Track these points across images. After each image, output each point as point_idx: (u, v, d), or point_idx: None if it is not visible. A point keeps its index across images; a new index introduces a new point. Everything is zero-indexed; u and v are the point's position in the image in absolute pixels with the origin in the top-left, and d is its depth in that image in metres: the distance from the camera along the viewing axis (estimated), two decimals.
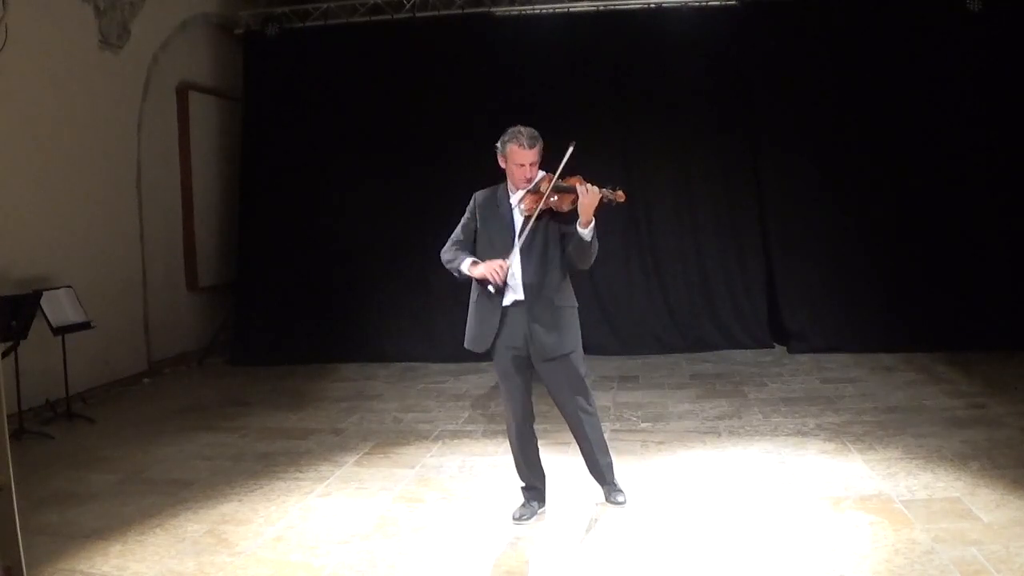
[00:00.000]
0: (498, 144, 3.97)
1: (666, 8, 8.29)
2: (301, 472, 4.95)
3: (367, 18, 8.59)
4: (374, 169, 8.55)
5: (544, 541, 3.87)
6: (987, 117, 7.63)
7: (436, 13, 8.46)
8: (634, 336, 8.27)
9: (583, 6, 8.41)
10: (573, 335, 4.01)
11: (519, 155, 3.86)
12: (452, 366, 7.94)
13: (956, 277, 7.62)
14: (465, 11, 8.46)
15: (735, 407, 6.05)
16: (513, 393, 4.05)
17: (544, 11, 8.42)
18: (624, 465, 4.46)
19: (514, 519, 4.11)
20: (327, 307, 8.53)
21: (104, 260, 7.46)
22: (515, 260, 3.87)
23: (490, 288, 3.84)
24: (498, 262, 3.81)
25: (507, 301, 3.92)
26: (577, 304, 4.08)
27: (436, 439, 5.56)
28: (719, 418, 5.78)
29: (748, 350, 8.10)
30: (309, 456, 5.28)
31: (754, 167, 8.31)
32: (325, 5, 8.63)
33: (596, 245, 3.85)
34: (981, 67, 7.62)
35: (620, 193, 3.80)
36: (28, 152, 6.57)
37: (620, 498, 4.21)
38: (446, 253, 4.08)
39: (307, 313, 8.54)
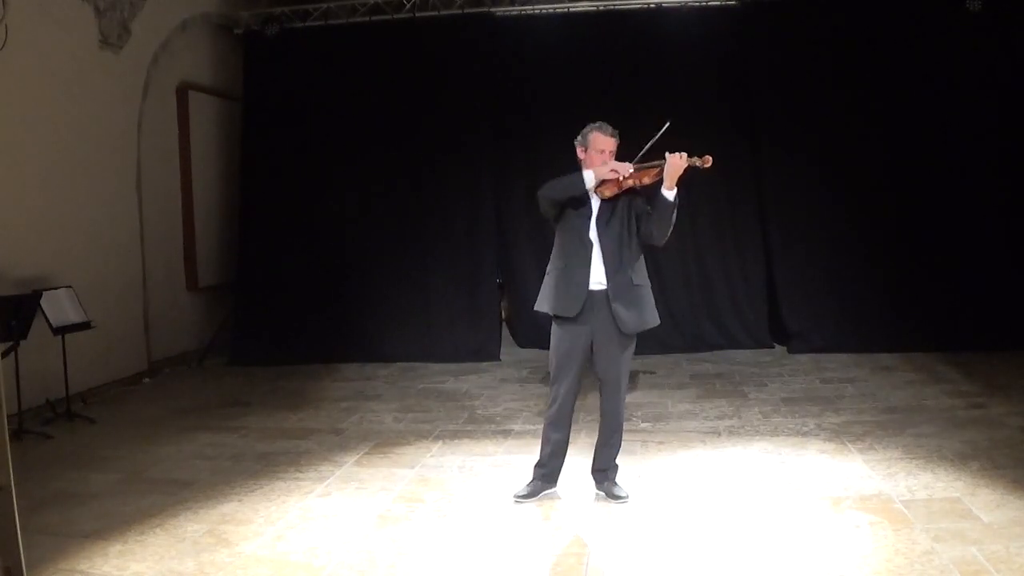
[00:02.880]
0: (578, 136, 4.20)
1: (666, 8, 8.28)
2: (301, 472, 4.95)
3: (367, 18, 8.59)
4: (374, 169, 8.56)
5: (544, 540, 3.87)
6: (987, 117, 7.63)
7: (436, 13, 8.45)
8: None
9: (583, 6, 8.40)
10: (651, 313, 4.20)
11: (601, 141, 4.13)
12: (452, 366, 7.96)
13: (956, 277, 7.62)
14: (465, 11, 8.45)
15: (735, 407, 6.05)
16: (571, 371, 4.16)
17: (544, 11, 8.42)
18: (624, 465, 4.45)
19: (515, 496, 4.23)
20: (327, 307, 8.52)
21: (104, 260, 7.45)
22: (595, 244, 4.07)
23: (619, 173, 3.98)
24: (624, 165, 3.99)
25: (587, 281, 4.08)
26: (649, 283, 4.25)
27: (436, 439, 5.56)
28: (719, 418, 5.79)
29: (748, 350, 8.11)
30: (309, 456, 5.27)
31: (754, 167, 8.31)
32: (325, 5, 8.62)
33: (675, 214, 4.03)
34: (981, 67, 7.62)
35: (708, 158, 3.98)
36: (28, 152, 6.56)
37: (621, 493, 4.23)
38: (553, 182, 4.12)
39: (307, 313, 8.53)
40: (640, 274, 4.18)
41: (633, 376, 7.21)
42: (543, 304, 4.21)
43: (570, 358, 4.16)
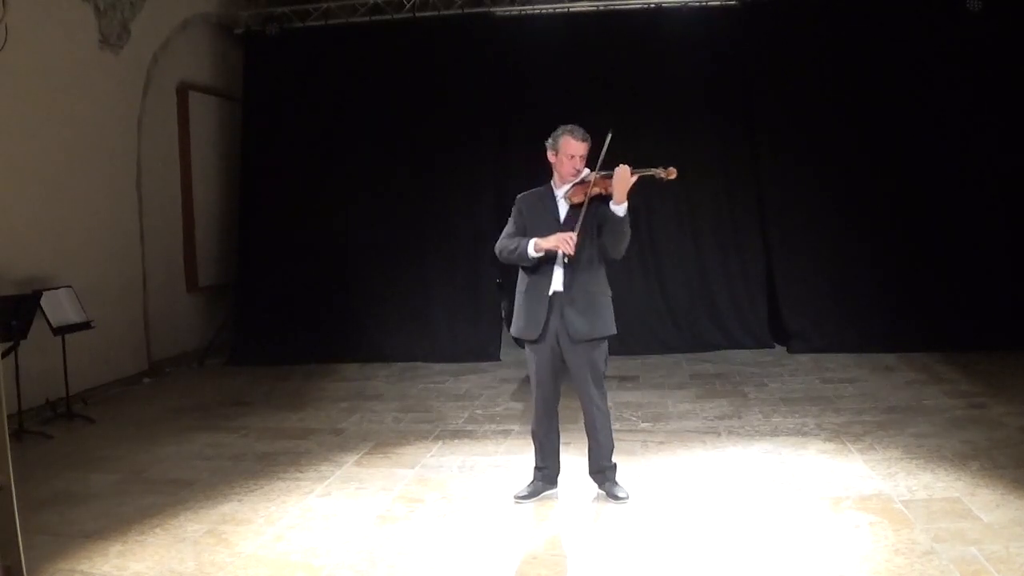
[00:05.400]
0: (549, 139, 4.17)
1: (666, 8, 8.29)
2: (301, 472, 4.95)
3: (367, 18, 8.59)
4: (374, 169, 8.56)
5: (544, 540, 3.87)
6: (987, 117, 7.63)
7: (436, 13, 8.46)
8: (634, 336, 8.26)
9: (583, 6, 8.41)
10: (604, 323, 4.15)
11: (572, 146, 4.08)
12: (452, 366, 7.96)
13: (956, 277, 7.62)
14: (465, 11, 8.46)
15: (735, 407, 6.05)
16: (543, 378, 4.20)
17: (544, 11, 8.42)
18: (624, 465, 4.45)
19: (515, 497, 4.27)
20: (327, 307, 8.53)
21: (104, 260, 7.46)
22: (558, 250, 4.05)
23: (564, 258, 4.02)
24: (568, 234, 3.95)
25: (548, 290, 4.10)
26: (611, 293, 4.23)
27: (436, 439, 5.56)
28: (719, 418, 5.78)
29: (748, 350, 8.10)
30: (309, 456, 5.27)
31: (754, 167, 8.31)
32: (325, 5, 8.62)
33: (628, 230, 4.01)
34: (981, 67, 7.62)
35: (672, 170, 3.95)
36: (28, 152, 6.56)
37: (622, 493, 4.24)
38: (505, 245, 4.18)
39: (307, 313, 8.54)
40: (598, 283, 4.16)
41: (633, 379, 7.21)
42: (513, 327, 4.26)
43: (540, 364, 4.19)
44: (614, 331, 4.20)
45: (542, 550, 3.76)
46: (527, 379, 4.56)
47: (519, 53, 8.41)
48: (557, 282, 4.09)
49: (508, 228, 4.25)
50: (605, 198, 4.00)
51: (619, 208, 3.94)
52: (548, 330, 4.10)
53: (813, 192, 8.04)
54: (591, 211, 4.01)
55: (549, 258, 4.06)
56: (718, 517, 3.98)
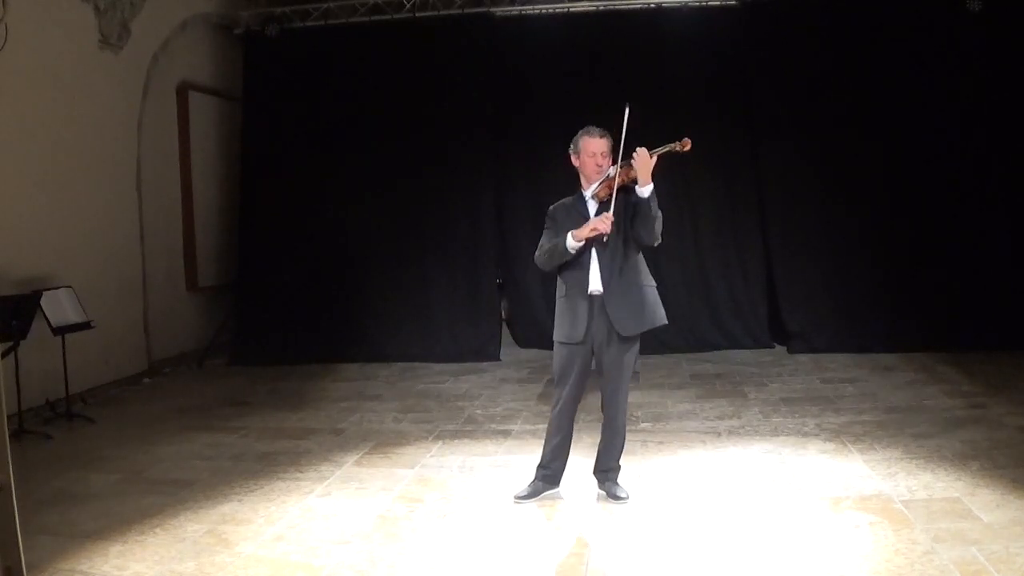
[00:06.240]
0: (570, 146, 4.21)
1: (666, 8, 8.29)
2: (301, 472, 4.95)
3: (367, 18, 8.59)
4: (374, 169, 8.56)
5: (544, 540, 3.86)
6: (987, 117, 7.63)
7: (436, 13, 8.46)
8: None
9: (583, 6, 8.41)
10: (651, 313, 4.16)
11: (591, 144, 4.13)
12: (452, 366, 7.97)
13: (956, 277, 7.62)
14: (465, 11, 8.46)
15: (735, 407, 6.05)
16: (573, 374, 4.18)
17: (544, 11, 8.43)
18: (624, 465, 4.45)
19: (516, 497, 4.26)
20: (327, 307, 8.53)
21: (104, 260, 7.46)
22: (592, 250, 4.07)
23: (604, 239, 3.99)
24: (603, 215, 3.96)
25: (587, 292, 4.10)
26: (655, 283, 4.23)
27: (436, 439, 5.56)
28: (719, 418, 5.79)
29: (748, 350, 8.11)
30: (309, 456, 5.27)
31: (755, 167, 8.31)
32: (325, 5, 8.63)
33: (659, 213, 3.99)
34: (981, 67, 7.62)
35: (686, 141, 3.96)
36: (28, 152, 6.57)
37: (622, 493, 4.24)
38: (542, 251, 4.20)
39: (307, 313, 8.54)
40: (641, 275, 4.16)
41: (633, 376, 7.20)
42: (557, 332, 4.23)
43: (572, 361, 4.17)
44: (664, 321, 4.21)
45: (542, 550, 3.76)
46: (551, 380, 4.54)
47: (519, 53, 8.41)
48: (595, 283, 4.08)
49: (543, 240, 4.25)
50: (631, 188, 4.01)
51: (644, 189, 3.93)
52: (589, 332, 4.11)
53: (813, 192, 8.05)
54: (619, 202, 4.03)
55: (583, 263, 4.07)
56: (718, 517, 3.98)
